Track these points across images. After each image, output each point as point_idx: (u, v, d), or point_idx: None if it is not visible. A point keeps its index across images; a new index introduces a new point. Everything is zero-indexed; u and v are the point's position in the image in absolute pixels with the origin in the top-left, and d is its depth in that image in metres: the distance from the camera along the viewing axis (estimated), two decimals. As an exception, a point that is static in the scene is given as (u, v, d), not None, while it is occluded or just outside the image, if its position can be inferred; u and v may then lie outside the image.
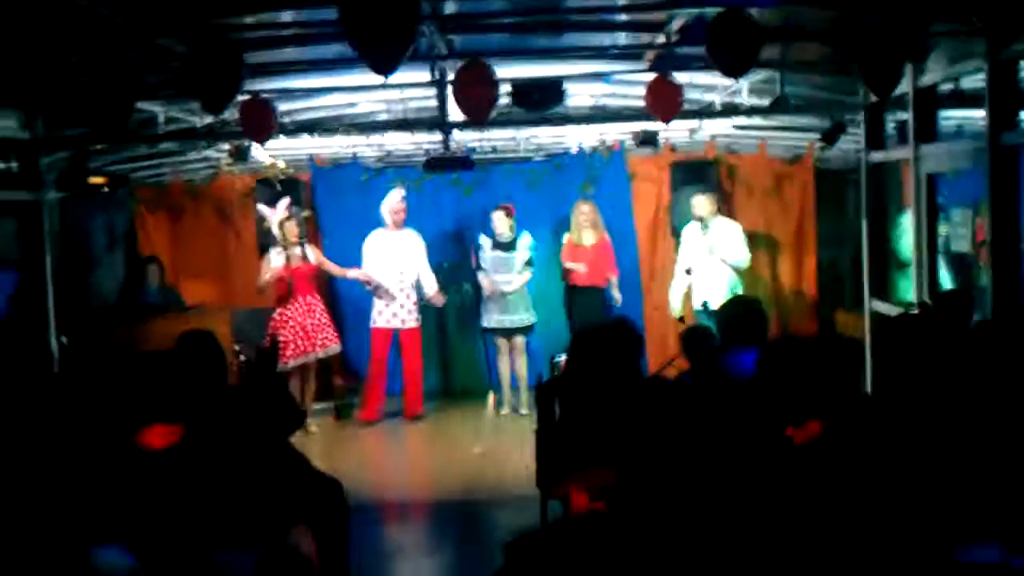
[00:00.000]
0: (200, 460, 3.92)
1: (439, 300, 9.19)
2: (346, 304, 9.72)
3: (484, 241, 9.16)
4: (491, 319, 9.14)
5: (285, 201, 8.76)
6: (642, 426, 3.52)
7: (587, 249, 9.17)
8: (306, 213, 9.16)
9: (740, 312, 4.93)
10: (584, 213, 9.18)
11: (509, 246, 9.07)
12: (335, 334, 8.86)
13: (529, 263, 9.09)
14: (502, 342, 9.20)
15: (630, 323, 4.65)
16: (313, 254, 8.83)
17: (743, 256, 8.80)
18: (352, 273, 9.00)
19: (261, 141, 7.19)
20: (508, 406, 9.19)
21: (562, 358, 5.66)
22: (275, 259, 8.58)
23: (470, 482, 7.06)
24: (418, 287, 9.10)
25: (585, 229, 9.16)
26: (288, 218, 8.62)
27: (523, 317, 9.13)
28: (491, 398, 9.34)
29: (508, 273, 9.03)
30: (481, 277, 9.09)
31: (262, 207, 8.90)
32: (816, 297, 9.94)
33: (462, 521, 6.37)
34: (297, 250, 8.64)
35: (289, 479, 4.64)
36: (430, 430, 8.88)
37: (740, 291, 8.51)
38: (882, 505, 2.91)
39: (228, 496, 3.92)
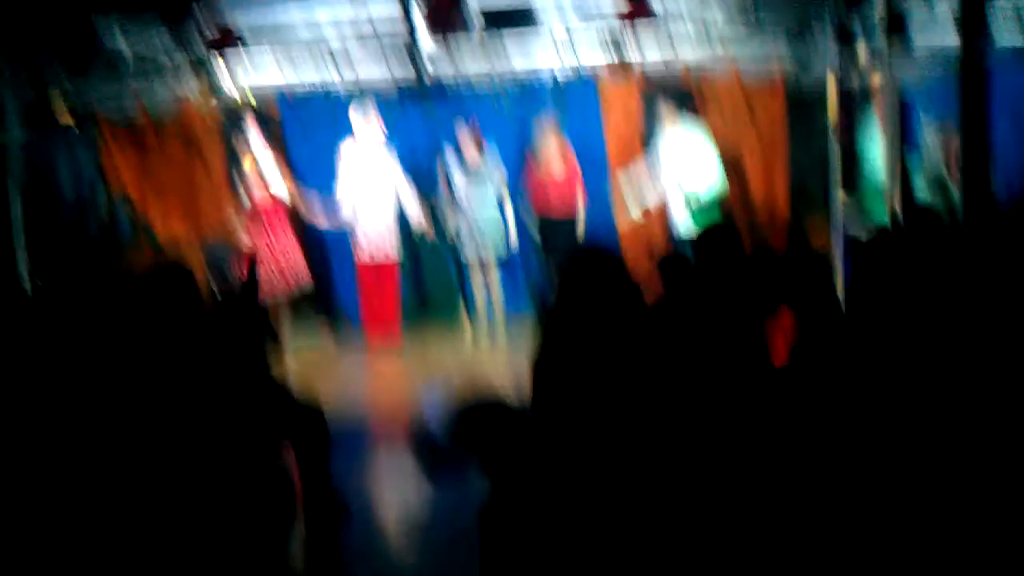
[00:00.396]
0: (180, 387, 3.93)
1: (428, 229, 9.13)
2: (323, 238, 9.66)
3: (452, 165, 9.08)
4: (464, 247, 9.11)
5: (254, 132, 8.73)
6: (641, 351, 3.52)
7: (555, 180, 9.10)
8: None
9: (716, 239, 4.95)
10: (551, 143, 9.09)
11: (480, 168, 9.01)
12: (305, 267, 8.85)
13: (505, 188, 9.04)
14: (476, 270, 9.18)
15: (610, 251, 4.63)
16: (286, 190, 8.77)
17: (715, 181, 8.68)
18: (323, 222, 9.02)
19: (221, 47, 7.07)
20: (485, 336, 9.19)
21: None
22: (246, 191, 8.60)
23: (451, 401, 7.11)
24: (400, 215, 9.02)
25: (554, 160, 9.08)
26: (255, 153, 8.58)
27: (497, 245, 9.09)
28: (468, 327, 9.37)
29: (481, 197, 8.99)
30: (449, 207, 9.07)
31: (240, 141, 8.85)
32: (789, 216, 9.96)
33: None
34: (267, 181, 8.60)
35: (269, 403, 4.68)
36: (408, 361, 8.90)
37: (715, 215, 8.50)
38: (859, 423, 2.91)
39: (210, 421, 3.94)
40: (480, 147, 9.01)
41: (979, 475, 2.74)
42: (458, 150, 9.09)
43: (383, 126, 8.94)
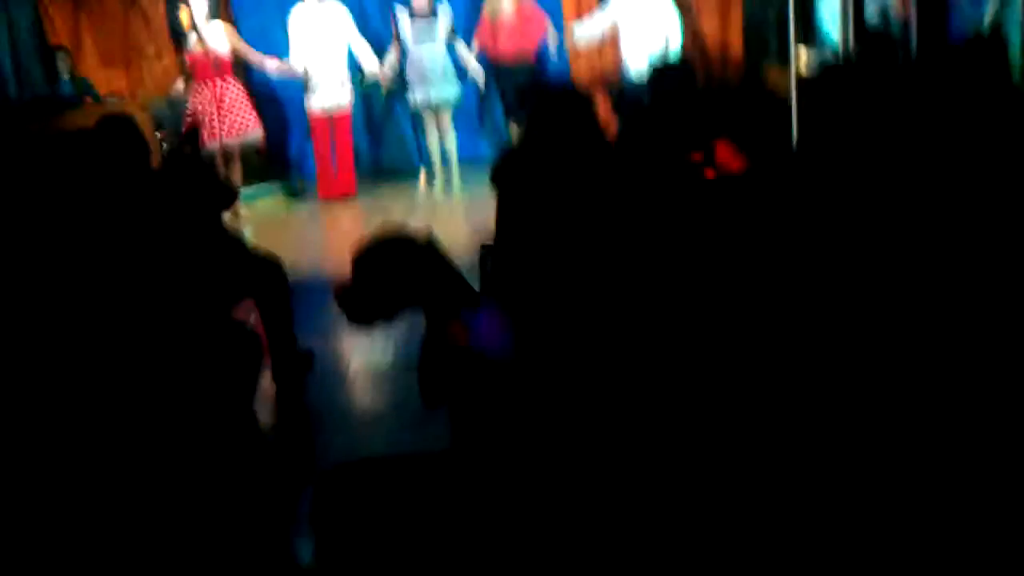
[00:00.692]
0: (131, 245, 3.88)
1: (384, 75, 8.98)
2: (269, 87, 9.49)
3: (401, 13, 8.85)
4: (415, 94, 8.95)
5: None
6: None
7: (504, 21, 8.88)
8: None
9: (669, 74, 4.91)
10: None
11: (429, 15, 8.79)
12: (254, 119, 8.68)
13: (453, 32, 8.86)
14: (429, 117, 9.04)
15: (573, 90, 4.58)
16: (223, 37, 8.53)
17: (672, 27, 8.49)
18: (271, 65, 8.84)
19: None
20: (440, 183, 9.14)
21: None
22: (189, 43, 8.41)
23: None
24: (351, 63, 8.88)
25: (507, 3, 8.85)
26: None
27: (449, 90, 8.94)
28: (422, 176, 9.31)
29: (431, 43, 8.79)
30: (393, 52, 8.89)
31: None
32: (742, 52, 9.85)
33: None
34: (210, 32, 8.37)
35: (226, 258, 4.65)
36: (362, 209, 8.86)
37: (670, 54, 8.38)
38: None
39: (165, 281, 3.90)
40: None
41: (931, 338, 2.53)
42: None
43: None
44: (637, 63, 8.13)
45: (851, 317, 2.44)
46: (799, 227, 2.86)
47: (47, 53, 9.27)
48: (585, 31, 8.71)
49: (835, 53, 6.62)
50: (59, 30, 9.50)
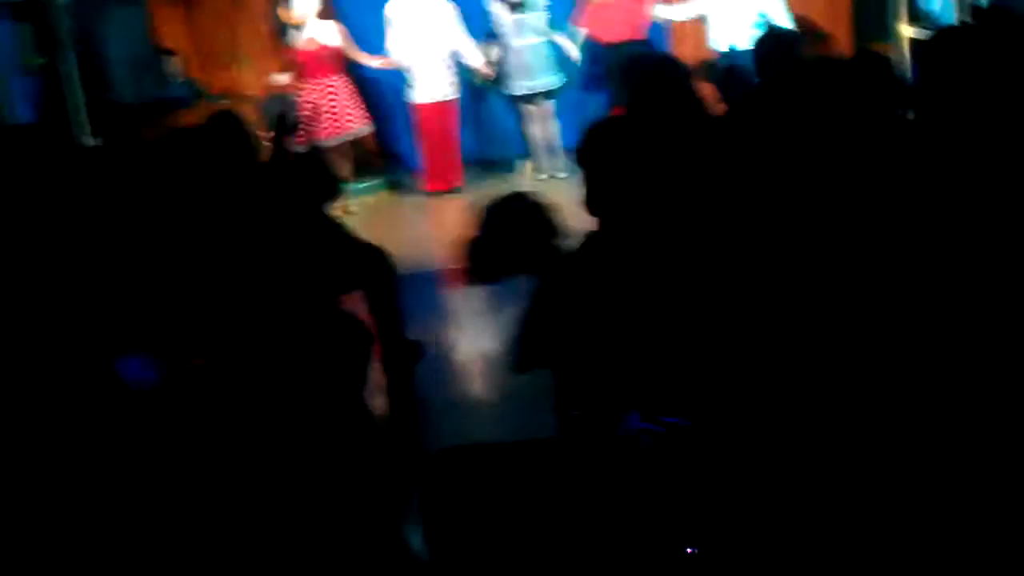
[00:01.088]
0: (238, 239, 3.94)
1: (489, 71, 8.91)
2: (373, 81, 9.53)
3: (497, 6, 8.83)
4: (515, 85, 8.93)
5: None
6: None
7: (607, 3, 8.71)
8: None
9: (775, 45, 4.79)
10: None
11: (523, 6, 8.74)
12: (363, 114, 8.76)
13: (550, 25, 8.81)
14: (530, 108, 9.02)
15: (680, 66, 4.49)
16: (333, 34, 8.62)
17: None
18: (376, 63, 8.88)
19: None
20: (545, 171, 9.10)
21: None
22: (297, 41, 8.55)
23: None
24: (455, 58, 8.85)
25: None
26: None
27: (548, 80, 8.91)
28: (528, 165, 9.28)
29: (529, 32, 8.76)
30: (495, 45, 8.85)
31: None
32: (851, 30, 9.58)
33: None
34: (317, 29, 8.47)
35: (331, 249, 4.70)
36: (466, 201, 8.80)
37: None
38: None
39: (272, 271, 3.96)
40: None
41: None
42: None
43: None
44: (735, 39, 7.89)
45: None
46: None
47: (158, 56, 9.50)
48: (668, 13, 8.61)
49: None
50: (168, 33, 9.75)
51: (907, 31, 7.33)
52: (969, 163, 3.07)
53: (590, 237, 3.27)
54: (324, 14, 8.89)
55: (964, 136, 3.33)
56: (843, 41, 9.54)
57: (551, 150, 9.06)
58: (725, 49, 8.01)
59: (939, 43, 4.17)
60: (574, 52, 8.85)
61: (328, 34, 8.56)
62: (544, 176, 9.03)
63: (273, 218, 4.20)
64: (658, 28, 9.18)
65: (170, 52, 9.37)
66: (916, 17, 7.54)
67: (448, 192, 8.98)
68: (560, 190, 8.52)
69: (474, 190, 8.98)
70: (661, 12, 8.69)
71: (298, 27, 8.49)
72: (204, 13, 9.84)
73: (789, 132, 3.58)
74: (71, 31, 7.55)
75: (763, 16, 8.09)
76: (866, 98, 3.45)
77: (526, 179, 9.13)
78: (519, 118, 9.31)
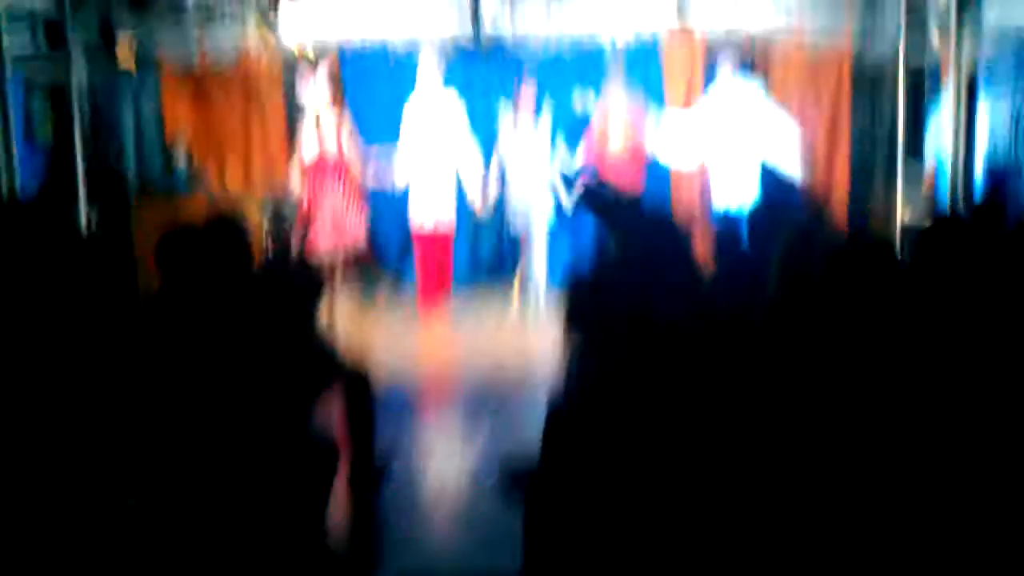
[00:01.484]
0: (226, 340, 3.93)
1: (481, 206, 8.93)
2: (381, 197, 9.42)
3: (505, 130, 8.89)
4: (511, 211, 8.96)
5: (324, 80, 8.66)
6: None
7: (615, 150, 8.87)
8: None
9: (770, 215, 4.87)
10: (614, 111, 8.88)
11: (530, 131, 8.80)
12: (363, 221, 8.82)
13: (555, 151, 8.85)
14: (522, 235, 9.04)
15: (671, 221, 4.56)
16: (346, 140, 8.70)
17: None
18: (376, 173, 8.84)
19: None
20: (531, 306, 9.01)
21: None
22: (305, 143, 8.55)
23: (496, 368, 7.14)
24: (457, 177, 8.82)
25: (615, 129, 8.91)
26: (313, 108, 8.55)
27: (546, 212, 8.93)
28: (516, 290, 9.31)
29: (533, 168, 8.81)
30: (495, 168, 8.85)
31: (304, 87, 8.76)
32: (847, 198, 9.80)
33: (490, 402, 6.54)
34: (328, 134, 8.55)
35: (315, 360, 4.69)
36: (454, 321, 8.84)
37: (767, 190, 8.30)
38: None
39: (253, 376, 3.94)
40: (535, 114, 8.86)
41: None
42: (512, 116, 8.96)
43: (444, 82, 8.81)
44: (734, 199, 7.95)
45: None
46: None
47: (167, 142, 9.62)
48: (672, 158, 8.62)
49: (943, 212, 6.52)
50: (180, 122, 9.87)
51: (903, 214, 7.50)
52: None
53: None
54: (339, 126, 9.02)
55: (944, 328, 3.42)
56: (840, 192, 9.77)
57: (534, 279, 9.04)
58: (726, 206, 8.07)
59: (930, 237, 4.29)
60: (567, 199, 8.91)
61: (335, 141, 8.60)
62: (529, 309, 9.00)
63: (258, 324, 4.20)
64: (661, 174, 9.35)
65: (180, 142, 9.46)
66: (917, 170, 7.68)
67: (436, 313, 8.92)
68: (540, 325, 8.53)
69: (462, 310, 9.01)
70: (665, 156, 8.78)
71: (310, 134, 8.52)
72: (217, 104, 9.96)
73: (777, 307, 3.63)
74: (84, 108, 7.64)
75: (766, 166, 8.18)
76: (862, 288, 3.48)
77: (514, 304, 9.12)
78: (512, 248, 9.34)
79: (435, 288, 8.94)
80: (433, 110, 8.69)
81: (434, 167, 8.70)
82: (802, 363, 3.15)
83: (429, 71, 8.73)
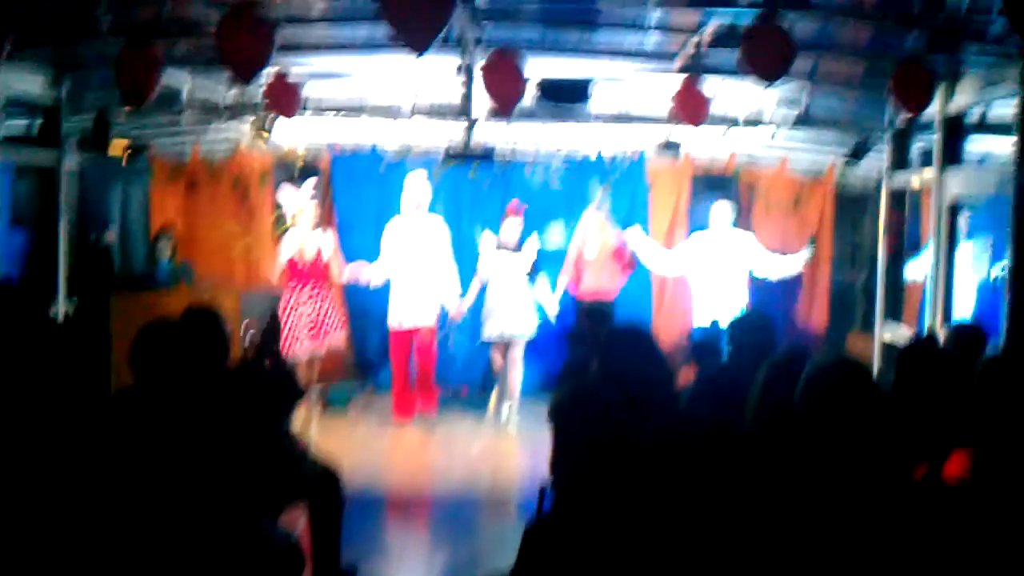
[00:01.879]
0: (197, 438, 3.87)
1: (459, 311, 8.65)
2: (359, 295, 9.46)
3: (487, 242, 8.71)
4: (490, 327, 8.70)
5: (312, 181, 8.58)
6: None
7: (596, 263, 8.76)
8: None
9: (753, 328, 4.88)
10: (595, 226, 8.80)
11: (515, 248, 8.62)
12: (340, 324, 8.65)
13: (537, 268, 8.65)
14: (498, 349, 8.79)
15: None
16: (329, 244, 8.56)
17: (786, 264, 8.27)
18: (348, 275, 8.62)
19: (288, 115, 7.14)
20: (507, 415, 8.71)
21: None
22: (289, 244, 8.41)
23: (465, 484, 7.04)
24: (438, 290, 8.54)
25: (596, 243, 8.77)
26: (308, 202, 8.47)
27: (525, 326, 8.67)
28: (492, 401, 8.98)
29: (512, 277, 8.60)
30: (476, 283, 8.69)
31: (287, 187, 8.66)
32: (828, 319, 9.88)
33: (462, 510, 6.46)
34: (312, 236, 8.44)
35: (285, 462, 4.61)
36: (426, 428, 8.53)
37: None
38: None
39: (224, 476, 3.87)
40: (519, 226, 8.67)
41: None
42: (496, 226, 8.79)
43: (429, 195, 8.66)
44: (719, 315, 7.86)
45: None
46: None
47: (151, 232, 9.62)
48: (655, 264, 8.53)
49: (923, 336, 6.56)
50: (168, 212, 9.91)
51: (887, 334, 7.51)
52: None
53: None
54: (326, 225, 9.03)
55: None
56: (819, 326, 9.84)
57: (508, 394, 8.71)
58: (707, 321, 7.93)
59: (909, 359, 4.31)
60: (552, 308, 8.78)
61: (319, 244, 8.45)
62: (505, 419, 8.71)
63: (230, 422, 4.14)
64: (643, 285, 9.38)
65: (166, 232, 9.46)
66: (897, 316, 7.71)
67: (414, 419, 8.63)
68: (515, 434, 8.38)
69: (438, 418, 8.69)
70: (647, 259, 8.66)
71: (294, 232, 8.43)
72: (206, 199, 10.02)
73: (752, 421, 3.61)
74: (71, 194, 7.65)
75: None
76: (836, 407, 3.48)
77: (489, 415, 8.88)
78: (488, 356, 9.09)
79: (414, 391, 8.66)
80: (417, 221, 8.52)
81: (414, 275, 8.45)
82: (779, 482, 3.13)
83: (417, 180, 8.62)
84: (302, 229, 8.40)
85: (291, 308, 8.31)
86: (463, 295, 8.65)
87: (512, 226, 8.63)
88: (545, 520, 3.23)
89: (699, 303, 8.23)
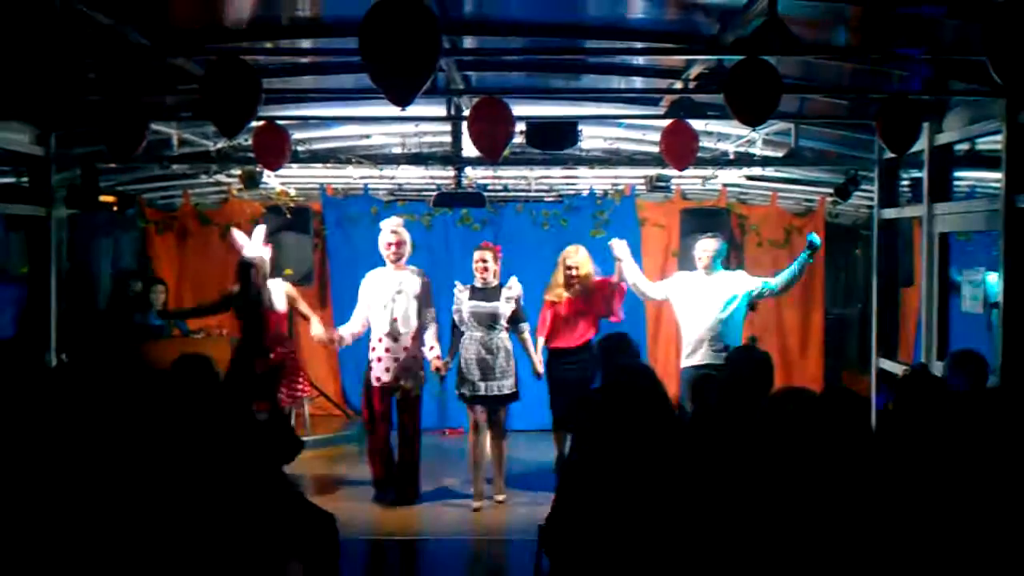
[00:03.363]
0: (193, 487, 3.87)
1: (439, 366, 7.45)
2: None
3: (460, 292, 7.48)
4: (467, 386, 7.38)
5: (260, 231, 7.91)
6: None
7: (576, 309, 7.61)
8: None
9: (748, 364, 4.88)
10: (578, 268, 7.59)
11: (492, 295, 7.41)
12: (303, 387, 8.07)
13: (519, 317, 7.47)
14: (479, 413, 7.43)
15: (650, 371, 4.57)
16: (279, 298, 7.81)
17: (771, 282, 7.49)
18: (316, 334, 7.74)
19: (274, 168, 7.04)
20: (479, 496, 7.42)
21: None
22: (279, 292, 7.82)
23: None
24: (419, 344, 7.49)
25: (578, 287, 7.59)
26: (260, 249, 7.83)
27: (508, 383, 7.38)
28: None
29: (491, 330, 7.36)
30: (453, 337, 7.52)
31: (237, 233, 7.91)
32: (822, 354, 9.89)
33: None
34: (263, 291, 7.75)
35: (282, 510, 4.59)
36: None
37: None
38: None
39: (221, 525, 3.87)
40: (495, 261, 7.51)
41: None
42: (472, 276, 7.55)
43: (409, 244, 7.60)
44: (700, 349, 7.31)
45: None
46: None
47: (145, 282, 9.61)
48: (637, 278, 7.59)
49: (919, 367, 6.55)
50: (159, 261, 9.95)
51: (884, 364, 7.49)
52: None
53: None
54: (318, 285, 8.90)
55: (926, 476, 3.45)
56: (813, 361, 9.85)
57: (499, 464, 7.49)
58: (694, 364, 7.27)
59: (906, 389, 4.33)
60: (539, 365, 7.59)
61: (273, 297, 7.81)
62: (477, 505, 7.38)
63: (226, 471, 4.13)
64: (637, 314, 9.28)
65: (157, 281, 9.48)
66: (892, 351, 7.70)
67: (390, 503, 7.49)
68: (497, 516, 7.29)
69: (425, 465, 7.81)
70: (630, 275, 7.54)
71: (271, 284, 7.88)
72: (197, 249, 10.06)
73: (750, 451, 3.62)
74: (62, 245, 7.65)
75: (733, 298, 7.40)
76: (834, 438, 3.50)
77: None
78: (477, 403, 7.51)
79: (396, 472, 7.57)
80: (396, 273, 7.51)
81: (392, 330, 7.41)
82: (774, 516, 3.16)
83: (391, 229, 7.56)
84: (260, 285, 7.75)
85: (280, 354, 7.80)
86: (445, 349, 7.58)
87: (488, 268, 7.44)
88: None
89: (687, 338, 7.74)
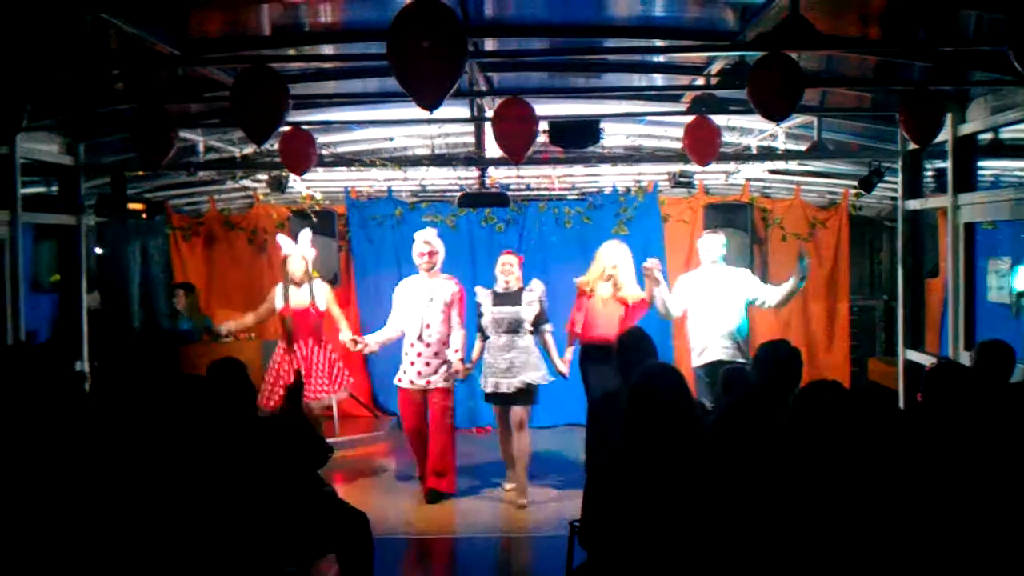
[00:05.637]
0: (228, 489, 3.91)
1: (461, 370, 7.48)
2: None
3: (483, 296, 7.52)
4: (488, 383, 7.42)
5: (307, 234, 8.40)
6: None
7: (599, 305, 7.55)
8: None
9: (780, 355, 4.89)
10: (606, 266, 7.56)
11: (514, 299, 7.39)
12: (334, 384, 8.42)
13: (542, 319, 7.44)
14: (501, 410, 7.51)
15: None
16: (324, 299, 8.32)
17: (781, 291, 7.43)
18: (344, 340, 7.93)
19: (300, 173, 7.09)
20: (516, 472, 7.47)
21: None
22: (278, 296, 8.28)
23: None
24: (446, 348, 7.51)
25: (607, 284, 7.53)
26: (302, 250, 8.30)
27: (525, 379, 7.30)
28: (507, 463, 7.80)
29: (515, 334, 7.35)
30: (477, 341, 7.57)
31: (282, 238, 8.47)
32: (849, 345, 9.86)
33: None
34: (302, 290, 8.27)
35: (316, 510, 4.65)
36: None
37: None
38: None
39: (255, 525, 3.92)
40: (518, 267, 7.51)
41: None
42: (494, 280, 7.57)
43: (442, 252, 7.64)
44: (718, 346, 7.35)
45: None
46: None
47: (172, 287, 9.71)
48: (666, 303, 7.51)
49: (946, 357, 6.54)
50: (187, 267, 10.02)
51: (911, 355, 7.46)
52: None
53: None
54: (343, 296, 8.92)
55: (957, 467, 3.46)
56: (840, 353, 9.82)
57: (518, 466, 7.42)
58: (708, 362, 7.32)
59: (935, 379, 4.33)
60: (562, 365, 7.60)
61: (319, 297, 8.28)
62: (510, 487, 7.63)
63: (262, 474, 4.18)
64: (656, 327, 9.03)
65: (186, 286, 9.56)
66: (918, 341, 7.68)
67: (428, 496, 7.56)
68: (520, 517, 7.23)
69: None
70: (659, 301, 7.52)
71: (292, 283, 8.27)
72: (225, 255, 10.14)
73: (783, 447, 3.64)
74: (91, 254, 7.74)
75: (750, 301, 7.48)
76: (864, 431, 3.51)
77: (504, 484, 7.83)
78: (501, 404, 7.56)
79: (428, 456, 7.61)
80: (430, 281, 7.55)
81: (425, 331, 7.49)
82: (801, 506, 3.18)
83: (426, 239, 7.57)
84: (292, 281, 8.25)
85: (280, 364, 8.22)
86: (469, 353, 7.67)
87: (505, 273, 7.46)
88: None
89: (696, 337, 7.64)
